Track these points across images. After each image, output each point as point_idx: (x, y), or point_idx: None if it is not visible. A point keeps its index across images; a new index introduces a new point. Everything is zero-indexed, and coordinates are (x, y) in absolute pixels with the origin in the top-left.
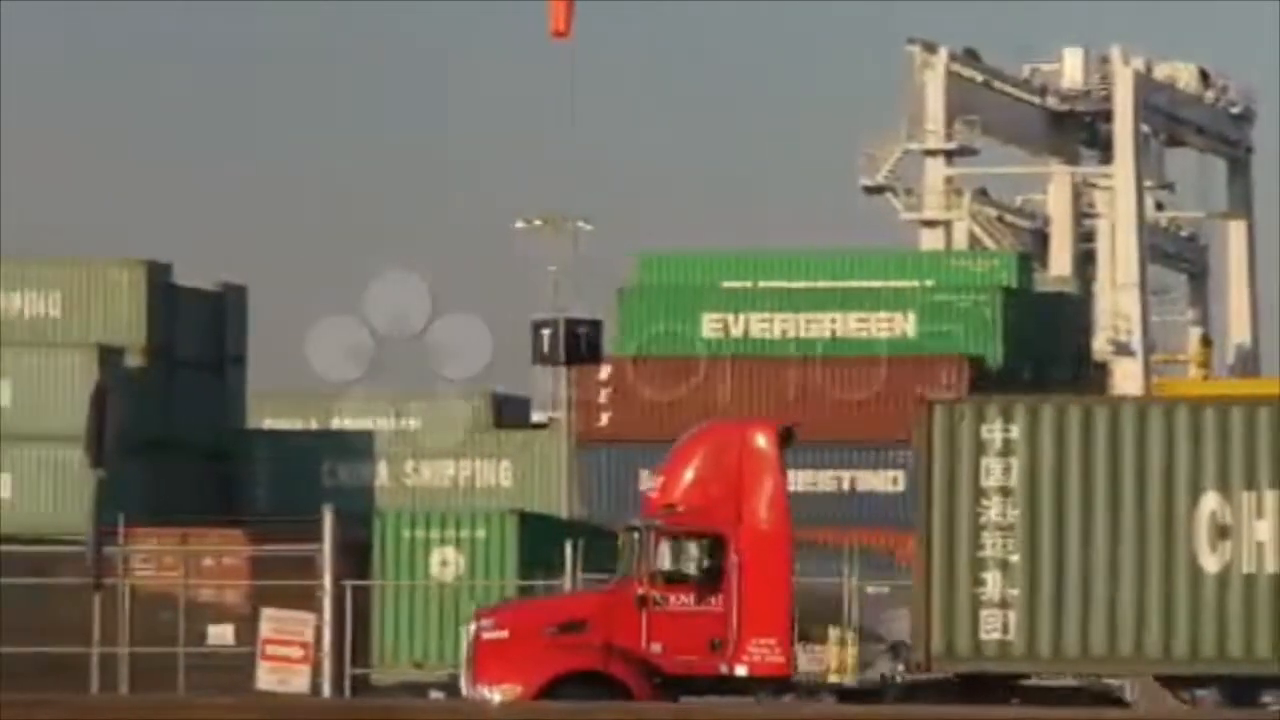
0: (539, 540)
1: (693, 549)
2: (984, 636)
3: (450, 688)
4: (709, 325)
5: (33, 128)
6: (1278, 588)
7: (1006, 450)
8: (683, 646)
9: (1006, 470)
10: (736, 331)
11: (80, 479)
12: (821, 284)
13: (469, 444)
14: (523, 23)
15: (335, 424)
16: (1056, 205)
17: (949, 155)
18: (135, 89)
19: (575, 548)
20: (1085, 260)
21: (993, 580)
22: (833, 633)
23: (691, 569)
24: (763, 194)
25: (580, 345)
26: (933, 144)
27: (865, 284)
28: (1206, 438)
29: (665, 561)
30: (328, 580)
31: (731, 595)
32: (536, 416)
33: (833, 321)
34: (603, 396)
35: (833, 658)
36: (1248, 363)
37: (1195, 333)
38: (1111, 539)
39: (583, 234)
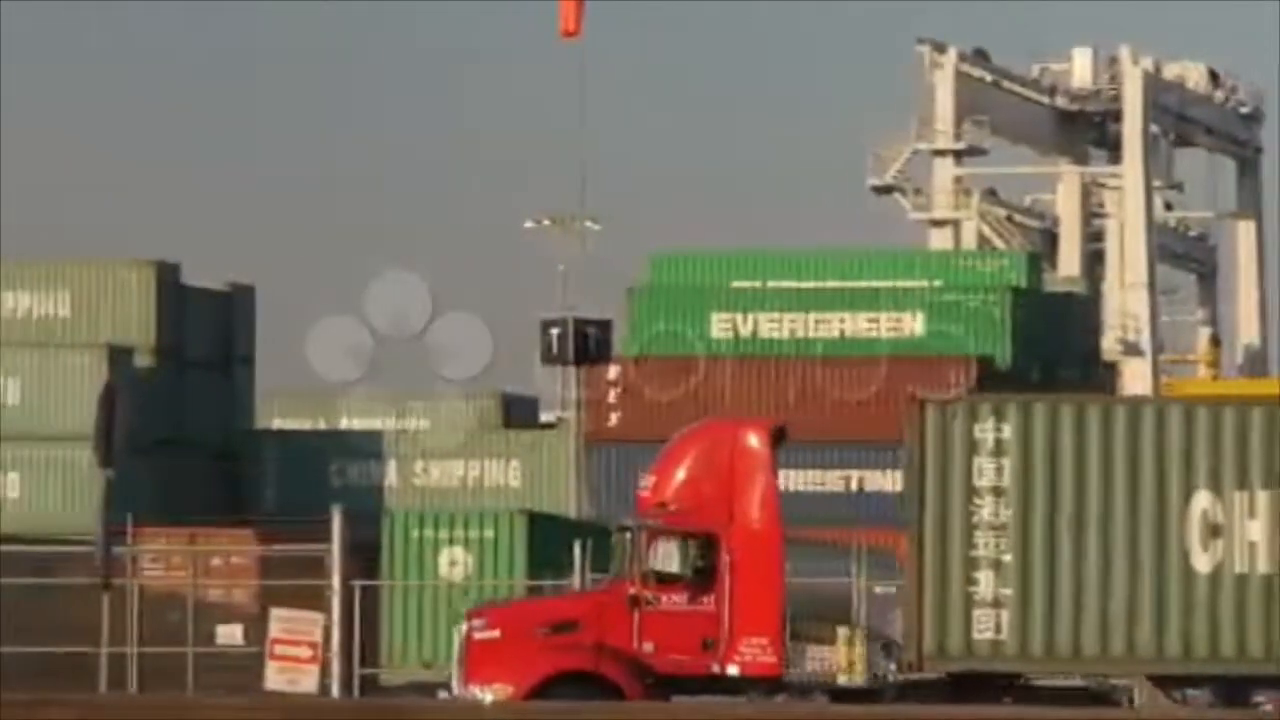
0: (548, 540)
1: (684, 548)
2: (976, 636)
3: None
4: (718, 325)
5: (36, 128)
6: (1270, 587)
7: (999, 450)
8: (674, 646)
9: (999, 470)
10: (745, 331)
11: (89, 479)
12: (830, 284)
13: (478, 444)
14: (531, 23)
15: (344, 424)
16: (1065, 205)
17: (958, 155)
18: (137, 89)
19: (584, 548)
20: (1094, 260)
21: (985, 580)
22: (841, 632)
23: (683, 568)
24: (772, 194)
25: (589, 345)
26: (942, 144)
27: (874, 284)
28: (1199, 437)
29: (657, 561)
30: (336, 580)
31: (723, 595)
32: (545, 416)
33: (841, 321)
34: (611, 396)
35: (842, 657)
36: (1256, 363)
37: (1204, 333)
38: (1104, 539)
39: (591, 234)
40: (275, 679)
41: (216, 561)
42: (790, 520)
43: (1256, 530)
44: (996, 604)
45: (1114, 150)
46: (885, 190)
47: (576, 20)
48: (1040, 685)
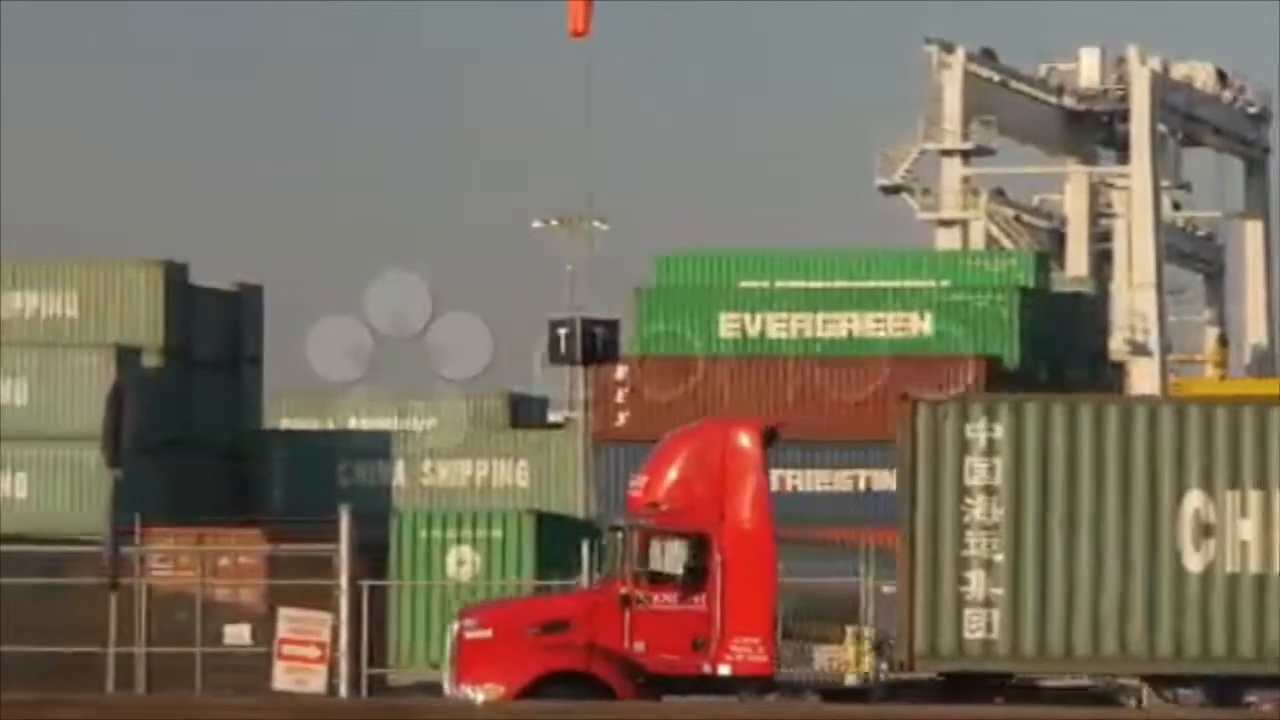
0: (555, 540)
1: (676, 548)
2: (968, 636)
3: None
4: (726, 325)
5: (36, 128)
6: (1261, 587)
7: (990, 449)
8: (666, 646)
9: (991, 469)
10: (753, 331)
11: (97, 479)
12: (838, 284)
13: (485, 444)
14: (532, 23)
15: (351, 424)
16: (1073, 205)
17: (966, 155)
18: (137, 89)
19: (592, 547)
20: (1102, 260)
21: (977, 579)
22: (850, 631)
23: (675, 568)
24: (779, 194)
25: (597, 345)
26: (950, 144)
27: (882, 284)
28: (1191, 437)
29: (648, 561)
30: (344, 580)
31: (714, 594)
32: (553, 416)
33: (849, 321)
34: (620, 396)
35: (851, 656)
36: (1264, 363)
37: (1212, 333)
38: (1096, 538)
39: (599, 234)
40: (283, 679)
41: (224, 561)
42: (799, 520)
43: (1248, 530)
44: (988, 604)
45: (1122, 150)
46: (893, 190)
47: (586, 20)
48: (1047, 685)
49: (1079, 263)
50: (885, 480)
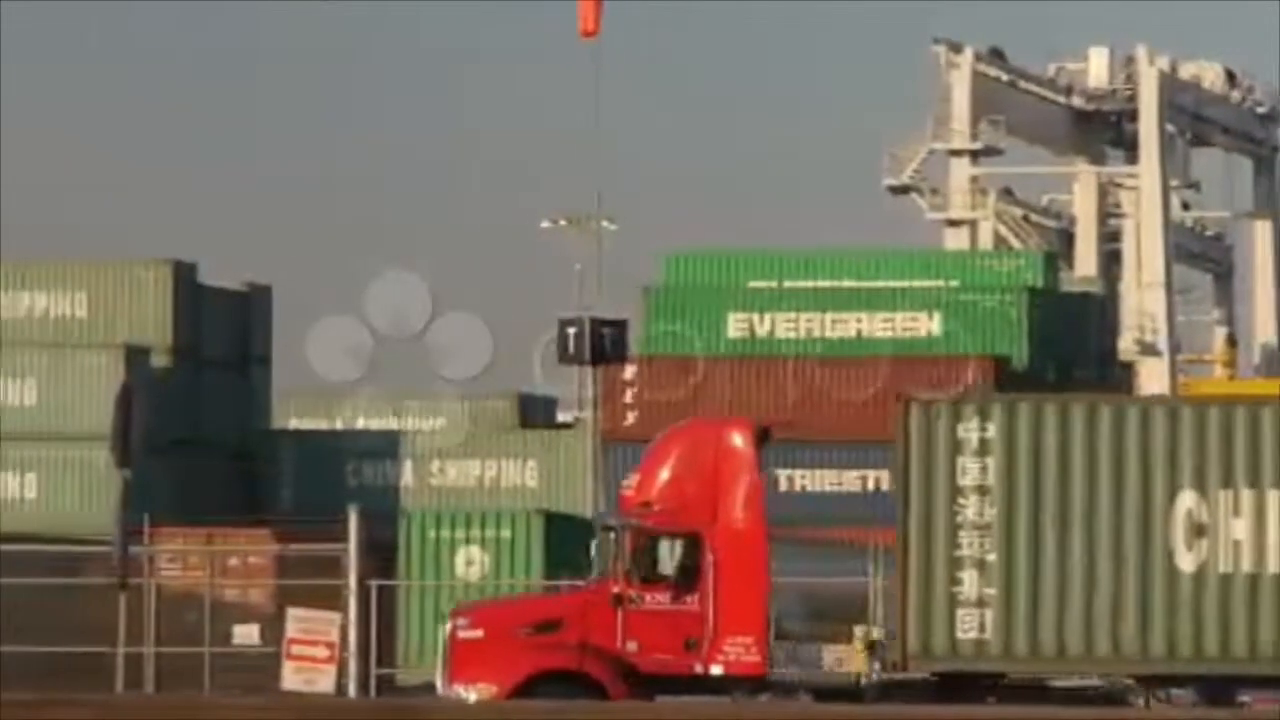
0: (564, 540)
1: (668, 548)
2: (960, 635)
3: None
4: (734, 325)
5: (36, 128)
6: (1254, 587)
7: (983, 449)
8: (658, 645)
9: (984, 469)
10: (762, 331)
11: (106, 479)
12: (846, 284)
13: (494, 444)
14: (534, 23)
15: (360, 424)
16: (1082, 205)
17: (974, 155)
18: (137, 89)
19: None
20: (1111, 260)
21: (969, 579)
22: (858, 631)
23: (667, 568)
24: (787, 194)
25: (605, 344)
26: (958, 143)
27: (890, 284)
28: (1183, 437)
29: (641, 560)
30: (353, 580)
31: (707, 594)
32: (562, 416)
33: (858, 321)
34: (628, 396)
35: (858, 655)
36: (1273, 362)
37: (1221, 332)
38: (1088, 538)
39: (607, 233)
40: (292, 679)
41: (233, 561)
42: (807, 520)
43: (1241, 529)
44: (981, 603)
45: (1130, 150)
46: (902, 190)
47: (596, 20)
48: (1056, 685)
49: (1088, 263)
50: None
